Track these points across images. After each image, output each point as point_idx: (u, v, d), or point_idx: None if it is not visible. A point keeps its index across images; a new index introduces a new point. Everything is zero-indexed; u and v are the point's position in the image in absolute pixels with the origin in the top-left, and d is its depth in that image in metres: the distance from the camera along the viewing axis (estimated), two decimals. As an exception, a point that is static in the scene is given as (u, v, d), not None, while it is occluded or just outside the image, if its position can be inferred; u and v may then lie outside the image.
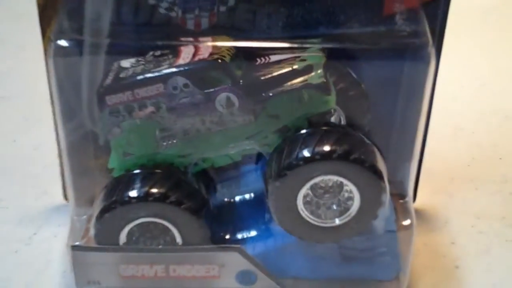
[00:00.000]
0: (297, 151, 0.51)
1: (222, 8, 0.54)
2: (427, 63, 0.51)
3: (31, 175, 0.70)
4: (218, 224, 0.55)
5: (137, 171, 0.53)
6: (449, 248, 0.63)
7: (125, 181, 0.53)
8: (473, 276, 0.60)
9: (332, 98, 0.53)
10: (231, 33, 0.54)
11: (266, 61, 0.53)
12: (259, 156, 0.57)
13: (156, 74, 0.52)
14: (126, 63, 0.54)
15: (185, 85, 0.51)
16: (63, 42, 0.52)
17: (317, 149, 0.50)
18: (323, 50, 0.53)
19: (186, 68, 0.51)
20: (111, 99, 0.52)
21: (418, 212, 0.66)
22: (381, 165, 0.52)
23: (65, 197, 0.64)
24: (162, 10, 0.54)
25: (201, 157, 0.55)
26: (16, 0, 0.99)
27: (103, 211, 0.52)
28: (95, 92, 0.53)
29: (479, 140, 0.77)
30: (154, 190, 0.52)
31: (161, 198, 0.52)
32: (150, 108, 0.52)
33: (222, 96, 0.52)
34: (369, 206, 0.52)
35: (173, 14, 0.54)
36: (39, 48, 0.56)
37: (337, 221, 0.53)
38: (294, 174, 0.51)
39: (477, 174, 0.72)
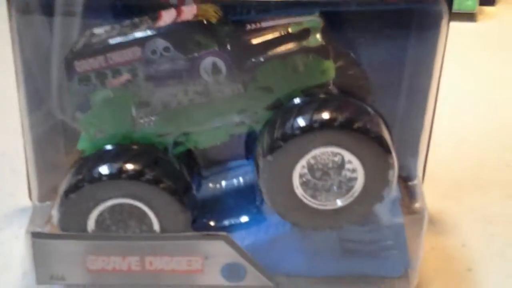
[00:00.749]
0: (292, 120, 0.45)
1: None
2: (438, 22, 0.46)
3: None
4: (201, 209, 0.48)
5: (109, 147, 0.47)
6: (460, 251, 0.57)
7: (95, 157, 0.47)
8: (487, 279, 0.54)
9: (331, 66, 0.47)
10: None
11: (258, 26, 0.47)
12: (249, 150, 0.51)
13: (132, 36, 0.46)
14: (99, 30, 0.48)
15: (166, 49, 0.45)
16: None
17: (316, 116, 0.44)
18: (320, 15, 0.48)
19: (166, 29, 0.45)
20: (80, 65, 0.46)
21: None
22: (388, 137, 0.46)
23: (30, 197, 0.58)
24: None
25: (183, 133, 0.48)
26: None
27: (68, 191, 0.46)
28: (63, 58, 0.47)
29: (486, 146, 0.72)
30: (128, 166, 0.45)
31: (136, 176, 0.45)
32: (126, 76, 0.46)
33: (208, 61, 0.46)
34: (374, 184, 0.45)
35: None
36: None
37: (339, 203, 0.46)
38: (289, 146, 0.44)
39: (486, 180, 0.67)
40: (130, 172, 0.45)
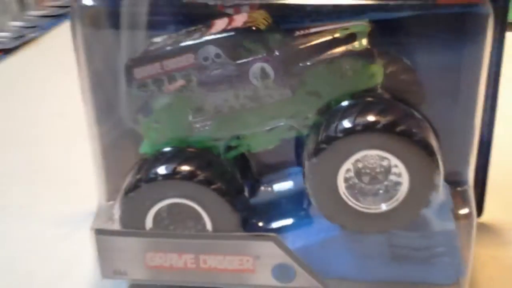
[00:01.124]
0: (336, 123, 0.45)
1: None
2: (484, 25, 0.46)
3: (76, 182, 0.68)
4: (253, 212, 0.50)
5: (166, 149, 0.50)
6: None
7: (152, 159, 0.49)
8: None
9: (378, 70, 0.47)
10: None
11: (306, 32, 0.48)
12: (300, 156, 0.52)
13: (186, 44, 0.48)
14: (158, 39, 0.51)
15: (217, 55, 0.48)
16: (88, 1, 0.50)
17: (359, 119, 0.45)
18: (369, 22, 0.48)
19: (217, 37, 0.48)
20: (139, 72, 0.49)
21: (486, 226, 0.60)
22: (433, 141, 0.46)
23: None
24: None
25: (236, 137, 0.50)
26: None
27: (127, 190, 0.49)
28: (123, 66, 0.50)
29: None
30: (182, 168, 0.48)
31: (189, 176, 0.48)
32: (180, 81, 0.49)
33: (256, 67, 0.47)
34: (420, 188, 0.45)
35: (211, 2, 0.51)
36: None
37: (384, 207, 0.46)
38: (333, 148, 0.45)
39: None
40: (183, 173, 0.48)
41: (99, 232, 0.49)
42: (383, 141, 0.45)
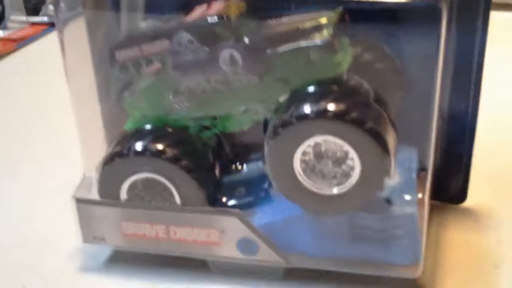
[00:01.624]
0: (292, 109, 0.48)
1: None
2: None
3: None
4: (220, 189, 0.53)
5: (144, 127, 0.53)
6: (493, 248, 0.57)
7: (130, 135, 0.53)
8: (510, 278, 0.54)
9: (343, 60, 0.49)
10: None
11: (277, 22, 0.51)
12: None
13: (162, 29, 0.52)
14: (144, 23, 0.54)
15: (190, 41, 0.51)
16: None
17: (313, 106, 0.47)
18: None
19: (191, 23, 0.51)
20: (120, 54, 0.53)
21: (468, 211, 0.61)
22: (385, 130, 0.48)
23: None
24: None
25: (212, 118, 0.53)
26: None
27: (104, 163, 0.53)
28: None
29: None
30: (153, 145, 0.51)
31: (158, 154, 0.51)
32: (157, 65, 0.52)
33: (225, 53, 0.50)
34: (371, 174, 0.48)
35: None
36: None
37: (335, 190, 0.49)
38: (288, 133, 0.48)
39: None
40: (153, 150, 0.51)
41: (79, 201, 0.54)
42: (335, 128, 0.47)
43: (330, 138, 0.48)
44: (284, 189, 0.50)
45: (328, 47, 0.49)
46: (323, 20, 0.49)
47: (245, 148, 0.56)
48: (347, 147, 0.47)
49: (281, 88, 0.50)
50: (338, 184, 0.49)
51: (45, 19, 1.14)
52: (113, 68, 0.53)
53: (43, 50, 1.07)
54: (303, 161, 0.49)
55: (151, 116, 0.54)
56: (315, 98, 0.48)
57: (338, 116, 0.47)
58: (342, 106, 0.47)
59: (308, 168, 0.49)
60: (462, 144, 0.58)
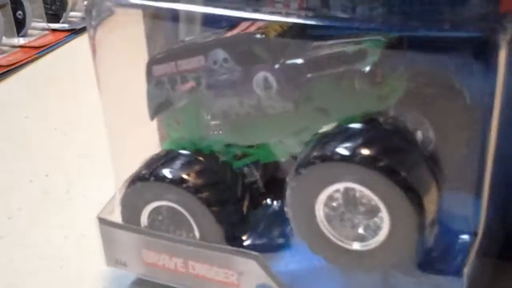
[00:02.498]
0: (318, 146, 0.42)
1: None
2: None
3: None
4: (243, 226, 0.48)
5: (172, 151, 0.49)
6: None
7: (156, 158, 0.49)
8: None
9: (390, 93, 0.43)
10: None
11: (320, 44, 0.44)
12: None
13: (199, 45, 0.47)
14: (188, 38, 0.50)
15: (225, 60, 0.46)
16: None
17: (338, 147, 0.41)
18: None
19: (227, 41, 0.46)
20: (157, 70, 0.49)
21: None
22: (422, 182, 0.40)
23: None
24: None
25: (247, 146, 0.49)
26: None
27: (126, 186, 0.49)
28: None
29: None
30: (174, 172, 0.47)
31: (178, 182, 0.47)
32: (191, 83, 0.48)
33: (260, 75, 0.45)
34: (402, 232, 0.40)
35: None
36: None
37: (357, 246, 0.42)
38: (310, 174, 0.42)
39: None
40: (173, 177, 0.47)
41: (102, 222, 0.50)
42: (361, 175, 0.40)
43: (357, 187, 0.41)
44: (304, 237, 0.44)
45: (370, 76, 0.42)
46: (368, 44, 0.43)
47: (281, 183, 0.50)
48: (375, 198, 0.41)
49: (319, 119, 0.44)
50: (362, 240, 0.42)
51: (66, 26, 1.12)
52: (150, 83, 0.50)
53: (65, 57, 1.04)
54: (327, 208, 0.43)
55: (188, 138, 0.50)
56: (344, 137, 0.41)
57: (366, 162, 0.40)
58: (372, 151, 0.40)
59: (332, 217, 0.43)
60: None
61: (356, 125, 0.42)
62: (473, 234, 0.43)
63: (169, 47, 0.49)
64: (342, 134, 0.42)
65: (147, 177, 0.48)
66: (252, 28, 0.46)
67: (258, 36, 0.45)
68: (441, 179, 0.41)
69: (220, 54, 0.46)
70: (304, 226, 0.43)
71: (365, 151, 0.40)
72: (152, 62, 0.49)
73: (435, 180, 0.41)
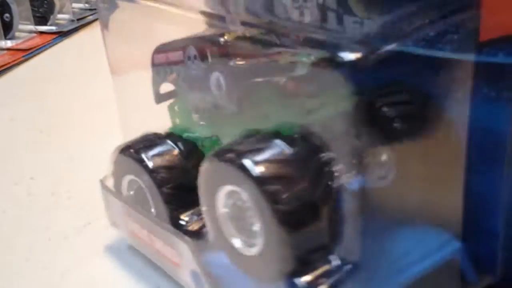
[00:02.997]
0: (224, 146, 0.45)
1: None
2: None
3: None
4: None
5: (155, 134, 0.54)
6: None
7: (143, 137, 0.54)
8: None
9: (313, 109, 0.42)
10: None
11: (273, 52, 0.45)
12: None
13: (181, 41, 0.51)
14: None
15: (195, 56, 0.50)
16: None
17: (230, 150, 0.43)
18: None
19: (200, 39, 0.49)
20: (157, 58, 0.54)
21: None
22: (301, 197, 0.40)
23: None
24: None
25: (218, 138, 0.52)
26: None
27: (115, 152, 0.54)
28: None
29: None
30: (141, 151, 0.52)
31: (140, 160, 0.51)
32: (174, 75, 0.52)
33: (214, 75, 0.48)
34: (273, 248, 0.41)
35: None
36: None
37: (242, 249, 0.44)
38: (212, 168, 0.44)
39: None
40: (137, 156, 0.52)
41: (102, 185, 0.57)
42: (242, 181, 0.41)
43: (241, 192, 0.42)
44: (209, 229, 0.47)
45: (286, 87, 0.43)
46: (300, 59, 0.43)
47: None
48: (252, 208, 0.42)
49: (262, 124, 0.46)
50: (245, 244, 0.44)
51: (53, 28, 1.12)
52: (153, 70, 0.55)
53: (52, 60, 1.04)
54: (225, 206, 0.45)
55: (181, 126, 0.54)
56: (240, 143, 0.43)
57: (243, 168, 0.41)
58: (252, 159, 0.41)
59: (228, 216, 0.45)
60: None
61: (262, 134, 0.43)
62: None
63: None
64: (247, 138, 0.44)
65: (125, 150, 0.53)
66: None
67: (221, 38, 0.48)
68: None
69: (192, 50, 0.50)
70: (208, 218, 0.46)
71: (248, 159, 0.41)
72: (154, 51, 0.54)
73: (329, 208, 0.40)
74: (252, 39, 0.46)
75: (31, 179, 0.70)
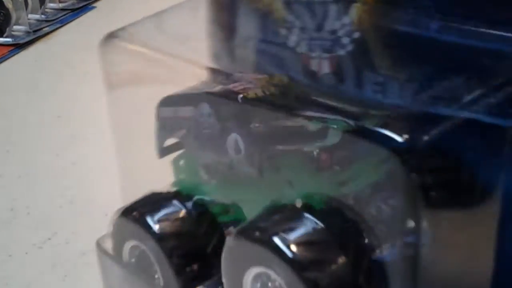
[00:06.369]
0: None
1: (341, 52, 0.45)
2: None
3: (63, 186, 0.69)
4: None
5: (157, 193, 0.49)
6: None
7: (145, 197, 0.49)
8: None
9: (346, 180, 0.39)
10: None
11: (300, 113, 0.41)
12: None
13: (193, 94, 0.47)
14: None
15: (209, 114, 0.45)
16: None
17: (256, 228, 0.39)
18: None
19: (214, 95, 0.45)
20: (163, 112, 0.49)
21: None
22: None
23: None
24: (290, 43, 0.47)
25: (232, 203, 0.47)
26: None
27: (121, 211, 0.49)
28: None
29: None
30: (138, 209, 0.48)
31: (145, 225, 0.47)
32: (183, 131, 0.48)
33: (232, 137, 0.44)
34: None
35: (299, 49, 0.47)
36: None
37: None
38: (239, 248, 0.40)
39: None
40: (135, 215, 0.47)
41: (99, 247, 0.52)
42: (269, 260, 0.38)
43: (268, 272, 0.38)
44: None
45: (318, 160, 0.40)
46: (331, 126, 0.40)
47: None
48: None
49: (284, 190, 0.42)
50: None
51: (9, 40, 1.08)
52: (157, 123, 0.50)
53: (11, 72, 1.01)
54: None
55: (186, 182, 0.50)
56: (268, 218, 0.40)
57: (274, 249, 0.37)
58: (284, 239, 0.37)
59: None
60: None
61: (292, 208, 0.40)
62: None
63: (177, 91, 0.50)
64: (276, 213, 0.40)
65: (128, 213, 0.49)
66: (238, 88, 0.45)
67: (240, 96, 0.44)
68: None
69: (206, 108, 0.46)
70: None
71: (282, 238, 0.37)
72: (160, 104, 0.50)
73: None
74: (273, 101, 0.43)
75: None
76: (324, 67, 0.45)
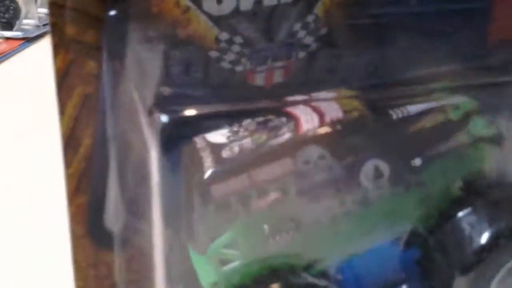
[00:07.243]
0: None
1: (302, 54, 0.40)
2: None
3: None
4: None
5: None
6: None
7: None
8: None
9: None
10: (306, 87, 0.41)
11: (405, 114, 0.40)
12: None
13: (279, 146, 0.38)
14: (217, 137, 0.39)
15: (321, 157, 0.39)
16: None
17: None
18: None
19: (320, 134, 0.38)
20: (218, 190, 0.38)
21: None
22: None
23: None
24: (225, 64, 0.40)
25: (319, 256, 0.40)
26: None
27: None
28: (193, 184, 0.38)
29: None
30: None
31: None
32: (274, 194, 0.39)
33: (369, 165, 0.39)
34: None
35: (238, 68, 0.40)
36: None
37: None
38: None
39: None
40: None
41: None
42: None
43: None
44: None
45: (497, 140, 0.40)
46: (466, 107, 0.40)
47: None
48: None
49: (420, 200, 0.40)
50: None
51: (19, 34, 1.10)
52: (206, 208, 0.38)
53: (22, 65, 1.02)
54: None
55: (248, 263, 0.39)
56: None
57: None
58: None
59: None
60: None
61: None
62: None
63: (214, 155, 0.38)
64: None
65: None
66: (337, 114, 0.39)
67: (356, 122, 0.39)
68: None
69: (315, 151, 0.38)
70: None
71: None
72: (209, 181, 0.37)
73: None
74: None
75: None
76: (277, 77, 0.42)
